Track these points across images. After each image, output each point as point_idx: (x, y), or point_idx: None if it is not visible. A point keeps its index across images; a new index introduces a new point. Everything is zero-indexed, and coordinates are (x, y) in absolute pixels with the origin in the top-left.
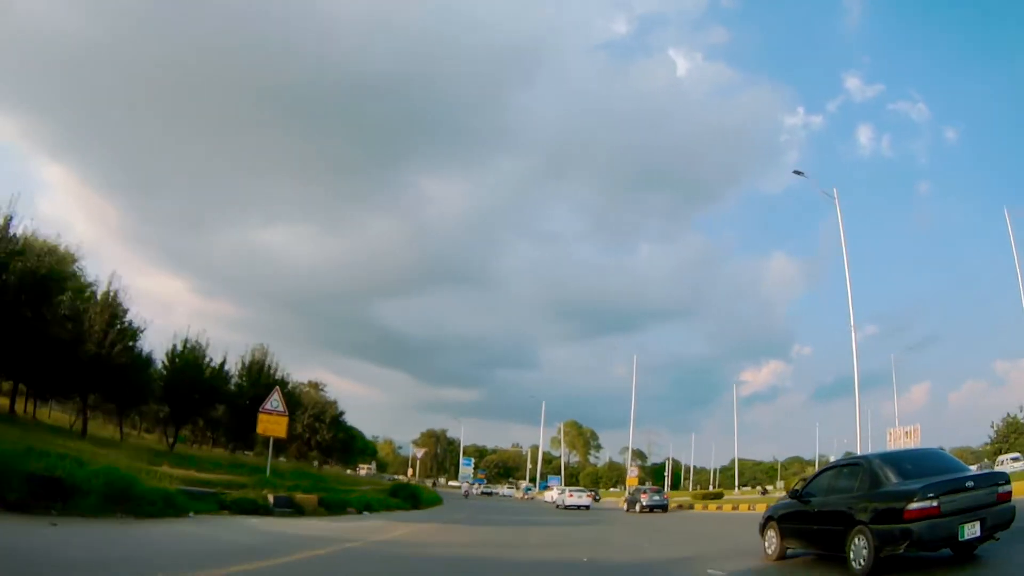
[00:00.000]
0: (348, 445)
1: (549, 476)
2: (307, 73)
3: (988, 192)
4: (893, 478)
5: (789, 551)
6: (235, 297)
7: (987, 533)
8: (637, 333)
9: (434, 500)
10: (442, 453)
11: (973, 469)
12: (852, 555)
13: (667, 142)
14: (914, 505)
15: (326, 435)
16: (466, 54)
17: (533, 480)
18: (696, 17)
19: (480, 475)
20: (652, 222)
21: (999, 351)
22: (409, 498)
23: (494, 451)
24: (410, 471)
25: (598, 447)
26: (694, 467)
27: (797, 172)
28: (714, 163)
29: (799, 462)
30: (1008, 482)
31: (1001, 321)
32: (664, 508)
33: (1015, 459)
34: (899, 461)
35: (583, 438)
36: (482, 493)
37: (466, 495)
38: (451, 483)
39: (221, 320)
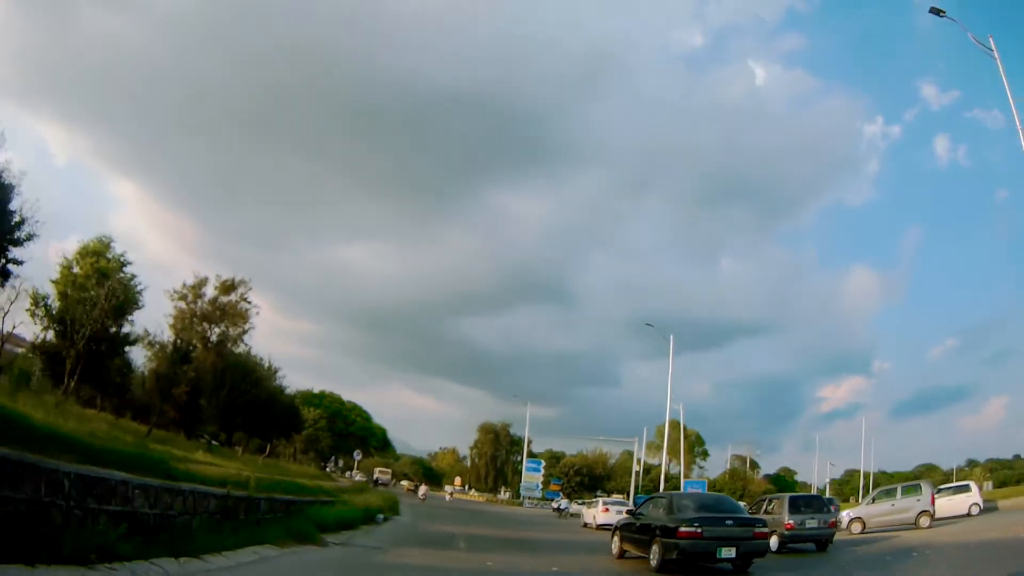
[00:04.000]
0: (288, 414)
1: (686, 482)
2: (384, 89)
3: None
4: (682, 509)
5: (627, 553)
6: (315, 315)
7: (742, 556)
8: (719, 349)
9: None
10: (503, 456)
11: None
12: (652, 556)
13: (748, 153)
14: (683, 528)
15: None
16: (542, 68)
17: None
18: (773, 25)
19: (554, 486)
20: (733, 236)
21: None
22: None
23: (576, 456)
24: (457, 480)
25: (704, 454)
26: (799, 481)
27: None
28: (795, 174)
29: (937, 471)
30: (764, 526)
31: None
32: None
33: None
34: (690, 498)
35: (687, 443)
36: (556, 509)
37: (423, 498)
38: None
39: (301, 338)
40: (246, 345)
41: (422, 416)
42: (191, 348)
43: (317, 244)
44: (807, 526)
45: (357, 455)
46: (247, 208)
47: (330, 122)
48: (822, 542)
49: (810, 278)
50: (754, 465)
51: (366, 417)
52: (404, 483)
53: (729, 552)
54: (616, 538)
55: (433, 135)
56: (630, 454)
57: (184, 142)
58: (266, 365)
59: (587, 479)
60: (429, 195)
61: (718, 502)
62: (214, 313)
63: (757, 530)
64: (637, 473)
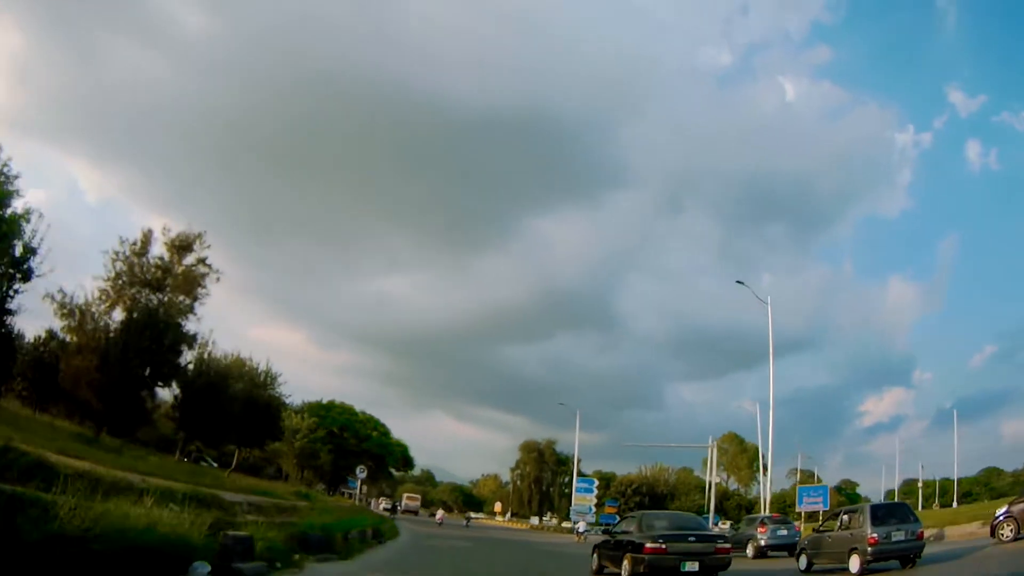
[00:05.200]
0: (258, 414)
1: (800, 488)
2: (418, 118)
3: None
4: (650, 527)
5: (605, 568)
6: (354, 346)
7: (705, 570)
8: (763, 367)
9: None
10: (549, 477)
11: (715, 529)
12: (623, 571)
13: (782, 169)
14: (649, 544)
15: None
16: (574, 92)
17: (698, 512)
18: (799, 39)
19: (609, 508)
20: (771, 252)
21: None
22: None
23: (635, 474)
24: (498, 506)
25: (763, 468)
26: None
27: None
28: (829, 188)
29: (1003, 474)
30: (726, 541)
31: None
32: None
33: None
34: (659, 517)
35: (746, 457)
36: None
37: (440, 523)
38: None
39: (340, 370)
40: (196, 316)
41: (464, 445)
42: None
43: (355, 275)
44: (893, 539)
45: (361, 472)
46: (284, 242)
47: (365, 153)
48: (908, 558)
49: (848, 291)
50: (819, 479)
51: (383, 431)
52: (441, 511)
53: (692, 566)
54: (595, 555)
55: (468, 162)
56: (688, 471)
57: (218, 177)
58: (261, 371)
59: (647, 499)
60: (466, 223)
61: (683, 520)
62: (161, 277)
63: (718, 546)
64: (709, 486)
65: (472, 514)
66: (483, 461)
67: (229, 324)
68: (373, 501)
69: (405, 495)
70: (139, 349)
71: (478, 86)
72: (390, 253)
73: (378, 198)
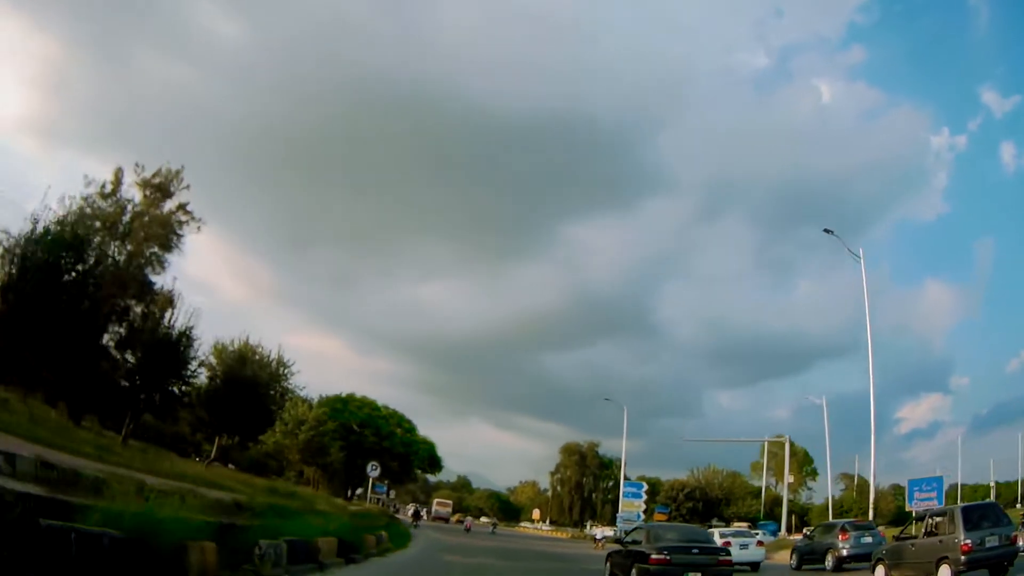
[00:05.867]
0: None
1: (911, 481)
2: (454, 124)
3: None
4: (656, 538)
5: None
6: (391, 354)
7: None
8: (800, 374)
9: None
10: (591, 482)
11: (719, 543)
12: None
13: (818, 172)
14: (654, 556)
15: None
16: (610, 97)
17: (754, 520)
18: (835, 41)
19: (659, 515)
20: (808, 257)
21: None
22: None
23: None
24: (535, 513)
25: (813, 473)
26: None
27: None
28: (866, 191)
29: None
30: (728, 554)
31: None
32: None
33: None
34: (666, 529)
35: (795, 460)
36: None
37: (468, 529)
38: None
39: (377, 377)
40: (163, 270)
41: (502, 452)
42: None
43: (391, 283)
44: (987, 545)
45: (373, 469)
46: (320, 250)
47: (400, 160)
48: (1002, 565)
49: (885, 295)
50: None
51: (409, 428)
52: (469, 518)
53: None
54: (608, 564)
55: (505, 169)
56: (735, 475)
57: (254, 186)
58: (272, 360)
59: (700, 504)
60: (503, 230)
61: (690, 533)
62: (131, 223)
63: (721, 558)
64: (769, 488)
65: (520, 523)
66: (521, 468)
67: (267, 332)
68: (402, 507)
69: (436, 501)
70: (37, 266)
71: (514, 93)
72: (426, 260)
73: (414, 206)
